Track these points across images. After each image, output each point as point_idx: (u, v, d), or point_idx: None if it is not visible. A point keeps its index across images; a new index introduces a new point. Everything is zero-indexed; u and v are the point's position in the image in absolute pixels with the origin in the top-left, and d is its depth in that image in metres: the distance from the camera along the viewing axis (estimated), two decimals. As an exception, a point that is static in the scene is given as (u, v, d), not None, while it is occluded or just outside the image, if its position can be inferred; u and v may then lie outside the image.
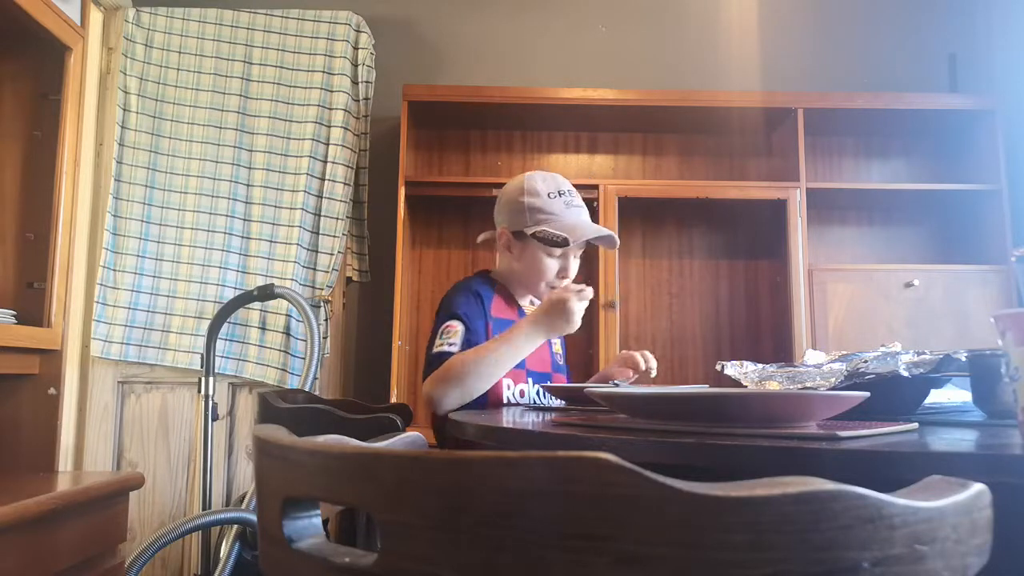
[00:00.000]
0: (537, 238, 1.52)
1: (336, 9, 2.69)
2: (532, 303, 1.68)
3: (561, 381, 1.62)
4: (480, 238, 1.72)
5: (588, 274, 2.90)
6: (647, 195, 2.78)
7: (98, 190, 2.57)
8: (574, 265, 1.58)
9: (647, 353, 1.62)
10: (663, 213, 3.02)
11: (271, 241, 2.55)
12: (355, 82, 2.68)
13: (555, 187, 1.55)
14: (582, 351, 2.83)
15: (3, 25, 1.82)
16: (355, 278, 2.79)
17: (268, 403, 1.37)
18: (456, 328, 1.43)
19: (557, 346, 1.69)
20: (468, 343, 1.41)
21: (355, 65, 2.68)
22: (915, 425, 0.84)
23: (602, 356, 2.61)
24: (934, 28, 3.10)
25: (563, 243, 1.51)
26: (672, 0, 3.14)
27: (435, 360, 1.40)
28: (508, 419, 1.10)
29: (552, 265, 1.55)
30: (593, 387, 1.07)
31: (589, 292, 1.34)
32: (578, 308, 1.33)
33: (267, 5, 2.72)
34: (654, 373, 1.61)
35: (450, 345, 1.40)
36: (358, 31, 2.68)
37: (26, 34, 1.85)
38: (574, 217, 1.54)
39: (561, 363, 1.66)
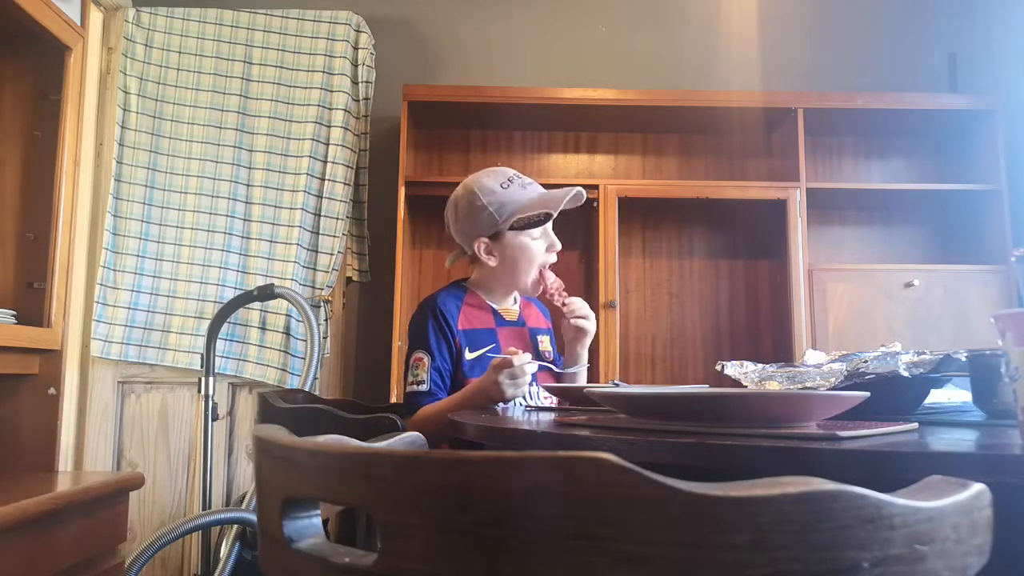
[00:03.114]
0: (516, 228, 1.53)
1: (336, 9, 2.69)
2: (516, 299, 1.67)
3: (548, 378, 1.62)
4: (448, 262, 1.72)
5: (588, 274, 2.91)
6: (647, 195, 2.78)
7: (98, 190, 2.57)
8: (556, 239, 1.59)
9: (572, 302, 1.59)
10: (663, 213, 3.02)
11: (271, 241, 2.55)
12: (355, 82, 2.68)
13: (503, 177, 1.56)
14: (582, 351, 2.82)
15: (3, 25, 1.82)
16: (355, 278, 2.79)
17: (268, 403, 1.37)
18: (423, 361, 1.50)
19: (545, 344, 1.68)
20: (436, 371, 1.49)
21: (355, 65, 2.68)
22: (915, 425, 0.84)
23: (602, 356, 2.61)
24: (934, 28, 3.10)
25: (546, 218, 1.55)
26: (672, 0, 3.14)
27: (408, 399, 1.49)
28: (508, 419, 1.10)
29: (539, 247, 1.57)
30: (593, 387, 1.07)
31: (528, 368, 1.34)
32: (509, 385, 1.33)
33: (267, 5, 2.72)
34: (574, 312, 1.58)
35: (419, 384, 1.48)
36: (358, 31, 2.68)
37: (26, 34, 1.85)
38: (536, 193, 1.56)
39: (549, 359, 1.65)
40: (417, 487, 0.41)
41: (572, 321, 1.59)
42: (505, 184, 1.55)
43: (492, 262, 1.58)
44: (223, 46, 2.63)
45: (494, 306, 1.63)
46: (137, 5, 2.67)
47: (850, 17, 3.13)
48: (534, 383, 1.52)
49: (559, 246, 1.60)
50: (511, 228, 1.54)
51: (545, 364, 1.58)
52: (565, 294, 1.60)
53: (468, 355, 1.53)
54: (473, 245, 1.58)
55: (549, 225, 1.58)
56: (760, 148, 3.07)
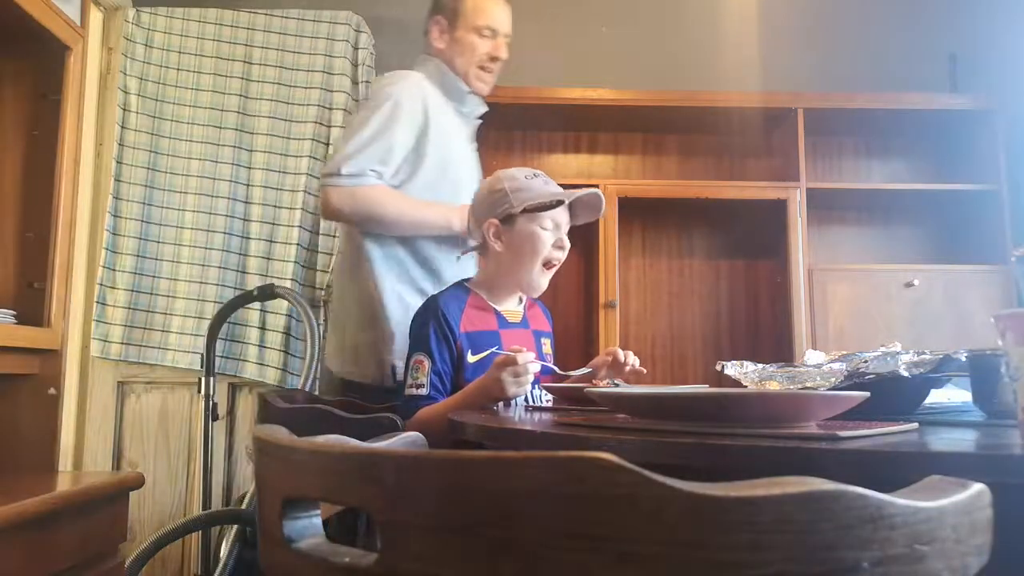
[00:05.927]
0: (529, 210, 1.55)
1: (336, 9, 2.69)
2: (520, 300, 1.67)
3: (550, 380, 1.62)
4: (457, 256, 1.73)
5: (588, 274, 2.90)
6: (647, 195, 2.78)
7: (98, 190, 2.57)
8: (566, 238, 1.61)
9: (630, 354, 1.66)
10: (663, 213, 3.01)
11: (270, 241, 2.55)
12: (355, 82, 2.67)
13: (530, 172, 1.62)
14: (582, 351, 2.83)
15: (3, 25, 1.82)
16: (355, 278, 2.78)
17: (268, 403, 1.37)
18: (423, 365, 1.50)
19: (547, 347, 1.69)
20: (436, 375, 1.49)
21: (355, 65, 2.68)
22: (915, 425, 0.84)
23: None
24: (934, 28, 3.10)
25: (558, 204, 1.57)
26: (672, 0, 3.14)
27: (407, 403, 1.48)
28: (508, 419, 1.10)
29: (547, 238, 1.58)
30: (593, 388, 1.07)
31: (531, 367, 1.35)
32: (511, 383, 1.33)
33: (267, 5, 2.72)
34: (631, 364, 1.64)
35: (418, 387, 1.49)
36: (358, 31, 2.68)
37: (26, 34, 1.85)
38: (555, 189, 1.60)
39: (549, 365, 1.64)
40: (417, 487, 0.41)
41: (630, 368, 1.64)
42: (529, 176, 1.60)
43: (499, 247, 1.58)
44: (223, 46, 2.63)
45: (497, 308, 1.62)
46: (137, 5, 2.67)
47: (850, 17, 3.13)
48: (535, 384, 1.52)
49: (567, 244, 1.61)
50: (525, 210, 1.55)
51: (548, 366, 1.58)
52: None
53: (470, 358, 1.52)
54: (484, 229, 1.59)
55: (563, 222, 1.59)
56: (760, 148, 3.07)
